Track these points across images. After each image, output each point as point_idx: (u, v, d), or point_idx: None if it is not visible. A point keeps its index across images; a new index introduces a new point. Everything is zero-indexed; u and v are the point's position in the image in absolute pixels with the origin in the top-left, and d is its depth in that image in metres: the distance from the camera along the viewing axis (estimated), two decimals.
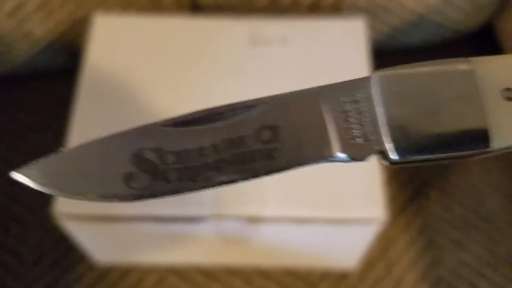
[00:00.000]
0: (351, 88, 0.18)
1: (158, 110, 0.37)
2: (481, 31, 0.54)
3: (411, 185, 0.46)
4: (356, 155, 0.17)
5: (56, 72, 0.51)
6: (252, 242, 0.37)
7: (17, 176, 0.18)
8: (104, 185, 0.18)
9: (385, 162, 0.17)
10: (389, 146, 0.17)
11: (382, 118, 0.17)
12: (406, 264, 0.42)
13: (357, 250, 0.38)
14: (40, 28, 0.45)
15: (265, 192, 0.33)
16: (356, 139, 0.17)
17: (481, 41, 0.55)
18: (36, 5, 0.43)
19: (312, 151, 0.17)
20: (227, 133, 0.18)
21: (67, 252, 0.42)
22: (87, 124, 0.36)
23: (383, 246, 0.43)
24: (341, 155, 0.17)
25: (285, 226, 0.34)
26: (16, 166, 0.51)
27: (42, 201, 0.44)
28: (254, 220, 0.33)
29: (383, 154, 0.17)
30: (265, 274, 0.42)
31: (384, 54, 0.52)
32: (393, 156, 0.17)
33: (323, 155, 0.17)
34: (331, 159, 0.17)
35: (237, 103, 0.18)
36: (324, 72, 0.38)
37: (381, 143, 0.17)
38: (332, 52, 0.39)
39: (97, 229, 0.35)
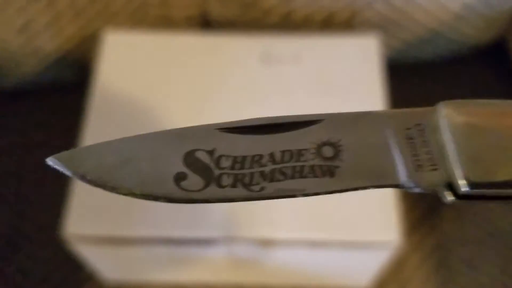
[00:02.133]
0: (417, 116, 0.18)
1: (168, 124, 0.36)
2: (493, 46, 0.53)
3: (423, 204, 0.45)
4: (423, 185, 0.16)
5: (63, 87, 0.50)
6: (263, 264, 0.36)
7: (53, 162, 0.17)
8: (153, 182, 0.17)
9: (450, 198, 0.16)
10: (460, 177, 0.16)
11: (451, 149, 0.16)
12: (418, 283, 0.42)
13: (370, 272, 0.38)
14: (50, 44, 0.45)
15: (277, 214, 0.33)
16: (424, 168, 0.17)
17: (493, 56, 0.54)
18: (46, 22, 0.43)
19: (376, 175, 0.17)
20: (286, 144, 0.17)
21: (75, 270, 0.42)
22: (97, 140, 0.35)
23: (395, 265, 0.42)
24: (408, 183, 0.16)
25: (298, 250, 0.33)
26: (24, 181, 0.51)
27: (51, 218, 0.44)
28: (266, 243, 0.33)
29: (451, 186, 0.16)
30: None
31: (396, 70, 0.52)
32: (464, 188, 0.16)
33: (387, 181, 0.17)
34: (396, 185, 0.17)
35: (298, 116, 0.18)
36: (338, 89, 0.38)
37: (451, 174, 0.16)
38: (346, 69, 0.39)
39: (106, 250, 0.34)
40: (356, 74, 0.38)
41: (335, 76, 0.38)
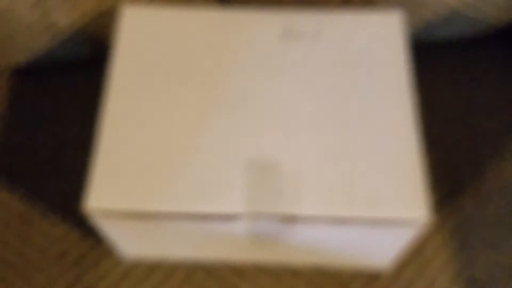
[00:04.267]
0: None
1: (189, 101, 0.35)
2: None
3: (445, 185, 0.44)
4: None
5: (79, 63, 0.50)
6: (284, 242, 0.36)
7: None
8: None
9: None
10: None
11: None
12: (439, 264, 0.41)
13: (393, 251, 0.37)
14: (65, 19, 0.44)
15: (301, 190, 0.32)
16: None
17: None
18: None
19: None
20: None
21: (92, 248, 0.41)
22: (119, 114, 0.35)
23: (416, 246, 0.42)
24: None
25: (321, 227, 0.33)
26: (38, 158, 0.50)
27: (67, 197, 0.43)
28: (288, 219, 0.32)
29: None
30: (295, 273, 0.41)
31: (416, 48, 0.51)
32: None
33: None
34: None
35: None
36: (359, 67, 0.37)
37: None
38: (368, 46, 0.38)
39: (127, 224, 0.34)
40: (379, 51, 0.38)
41: (357, 53, 0.37)
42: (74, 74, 0.50)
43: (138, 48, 0.38)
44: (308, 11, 0.40)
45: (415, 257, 0.41)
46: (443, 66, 0.51)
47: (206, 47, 0.38)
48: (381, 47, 0.38)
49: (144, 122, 0.35)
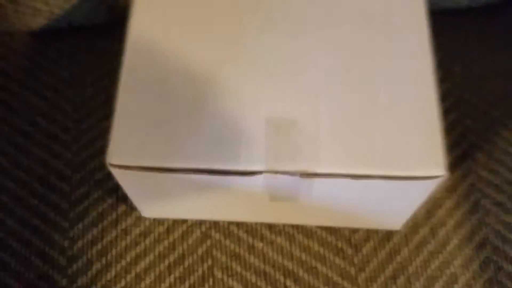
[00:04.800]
0: None
1: (209, 58, 0.35)
2: None
3: (458, 148, 0.45)
4: None
5: (95, 26, 0.50)
6: (302, 198, 0.36)
7: None
8: None
9: None
10: None
11: None
12: (452, 226, 0.42)
13: (407, 210, 0.38)
14: None
15: (319, 148, 0.33)
16: None
17: None
18: None
19: None
20: None
21: (112, 208, 0.42)
22: (136, 73, 0.35)
23: (428, 208, 0.42)
24: None
25: (338, 183, 0.33)
26: (56, 122, 0.51)
27: (85, 158, 0.44)
28: (306, 175, 0.33)
29: None
30: (309, 234, 0.42)
31: (434, 15, 0.51)
32: None
33: None
34: None
35: None
36: (381, 24, 0.37)
37: None
38: (390, 5, 0.37)
39: (148, 181, 0.34)
40: (399, 12, 0.37)
41: (378, 13, 0.37)
42: (91, 37, 0.50)
43: (155, 7, 0.37)
44: None
45: (427, 219, 0.42)
46: (460, 32, 0.51)
47: (225, 5, 0.38)
48: (402, 8, 0.37)
49: (162, 80, 0.35)
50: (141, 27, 0.37)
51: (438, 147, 0.32)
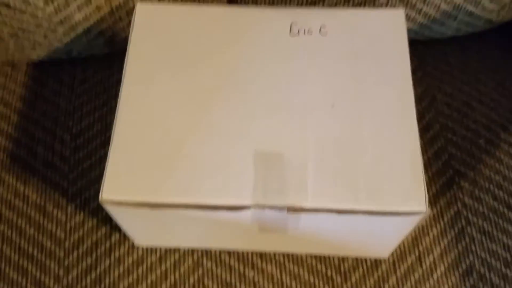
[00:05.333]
0: None
1: (201, 94, 0.37)
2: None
3: (443, 176, 0.46)
4: None
5: (95, 57, 0.51)
6: (290, 231, 0.37)
7: None
8: None
9: None
10: None
11: None
12: (438, 254, 0.43)
13: (393, 241, 0.39)
14: (78, 14, 0.45)
15: (306, 183, 0.34)
16: None
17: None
18: None
19: None
20: None
21: (106, 237, 0.43)
22: (133, 108, 0.36)
23: (415, 236, 0.43)
24: None
25: (325, 217, 0.34)
26: (54, 152, 0.52)
27: (82, 187, 0.45)
28: (293, 210, 0.34)
29: None
30: (299, 262, 0.43)
31: (418, 43, 0.52)
32: None
33: None
34: None
35: None
36: (365, 61, 0.38)
37: None
38: (373, 42, 0.39)
39: (141, 215, 0.36)
40: (383, 47, 0.39)
41: (362, 48, 0.39)
42: (90, 67, 0.51)
43: (152, 43, 0.39)
44: (315, 8, 0.41)
45: (414, 247, 0.43)
46: (443, 61, 0.52)
47: (216, 41, 0.39)
48: (384, 42, 0.39)
49: (157, 115, 0.36)
50: (138, 62, 0.38)
51: (420, 184, 0.34)
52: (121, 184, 0.34)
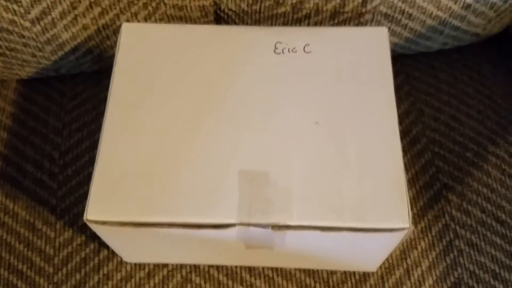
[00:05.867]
0: None
1: (186, 113, 0.37)
2: (500, 34, 0.54)
3: (431, 189, 0.46)
4: None
5: (82, 75, 0.51)
6: (276, 247, 0.38)
7: None
8: None
9: None
10: None
11: None
12: (426, 267, 0.43)
13: (380, 256, 0.39)
14: (65, 33, 0.46)
15: (291, 201, 0.34)
16: None
17: (499, 44, 0.55)
18: (61, 12, 0.44)
19: None
20: None
21: (94, 253, 0.43)
22: (118, 127, 0.37)
23: (403, 249, 0.44)
24: None
25: (310, 235, 0.35)
26: (43, 169, 0.52)
27: (70, 204, 0.45)
28: (278, 228, 0.34)
29: None
30: (288, 276, 0.43)
31: (404, 57, 0.53)
32: None
33: None
34: None
35: None
36: (348, 79, 0.38)
37: None
38: (356, 60, 0.39)
39: (126, 234, 0.36)
40: (367, 65, 0.39)
41: (347, 66, 0.39)
42: (79, 84, 0.51)
43: (138, 62, 0.39)
44: (299, 27, 0.42)
45: (402, 260, 0.43)
46: (430, 74, 0.53)
47: (202, 60, 0.39)
48: (368, 60, 0.39)
49: (142, 134, 0.36)
50: (123, 81, 0.39)
51: (403, 200, 0.34)
52: (105, 204, 0.34)
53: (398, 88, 0.51)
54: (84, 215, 0.34)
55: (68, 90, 0.51)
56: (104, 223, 0.34)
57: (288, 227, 0.34)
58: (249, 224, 0.34)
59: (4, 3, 0.42)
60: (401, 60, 0.52)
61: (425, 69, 0.53)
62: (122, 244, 0.38)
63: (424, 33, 0.49)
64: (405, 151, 0.48)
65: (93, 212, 0.34)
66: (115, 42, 0.47)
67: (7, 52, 0.47)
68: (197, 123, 0.37)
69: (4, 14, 0.43)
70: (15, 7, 0.42)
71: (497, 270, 0.43)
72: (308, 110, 0.37)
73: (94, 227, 0.35)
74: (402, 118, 0.50)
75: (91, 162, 0.47)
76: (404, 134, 0.49)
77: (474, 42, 0.53)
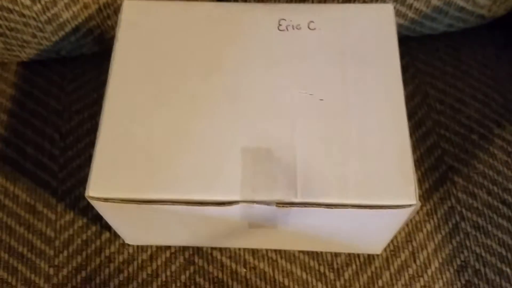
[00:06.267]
0: None
1: (188, 92, 0.37)
2: (505, 17, 0.53)
3: (437, 172, 0.46)
4: None
5: (83, 55, 0.51)
6: (280, 226, 0.37)
7: None
8: None
9: None
10: None
11: None
12: (432, 250, 0.42)
13: (386, 236, 0.38)
14: (66, 12, 0.45)
15: (295, 177, 0.34)
16: None
17: (505, 26, 0.54)
18: None
19: None
20: None
21: (96, 235, 0.43)
22: (119, 106, 0.36)
23: (409, 231, 0.43)
24: None
25: (314, 211, 0.34)
26: (44, 151, 0.52)
27: (71, 186, 0.45)
28: (282, 205, 0.34)
29: None
30: (292, 258, 0.42)
31: (410, 39, 0.52)
32: None
33: None
34: None
35: None
36: (353, 57, 0.38)
37: None
38: (362, 37, 0.39)
39: (128, 212, 0.35)
40: (373, 42, 0.38)
41: (351, 44, 0.38)
42: (79, 67, 0.51)
43: (138, 40, 0.39)
44: (304, 3, 0.41)
45: (408, 242, 0.43)
46: (435, 57, 0.52)
47: (204, 38, 0.39)
48: (373, 37, 0.39)
49: (143, 113, 0.36)
50: (124, 60, 0.38)
51: (410, 177, 0.33)
52: (107, 180, 0.33)
53: (403, 71, 0.50)
54: (86, 191, 0.33)
55: (69, 73, 0.51)
56: (106, 199, 0.33)
57: (292, 204, 0.33)
58: (252, 201, 0.33)
59: None
60: (406, 43, 0.52)
61: (430, 51, 0.52)
62: (124, 224, 0.38)
63: (429, 14, 0.49)
64: (410, 133, 0.47)
65: (94, 189, 0.33)
66: (116, 23, 0.46)
67: (7, 32, 0.46)
68: (200, 101, 0.36)
69: None
70: None
71: (504, 253, 0.42)
72: (312, 87, 0.37)
73: (96, 205, 0.34)
74: (407, 100, 0.49)
75: (92, 144, 0.46)
76: (409, 116, 0.48)
77: (479, 25, 0.52)
